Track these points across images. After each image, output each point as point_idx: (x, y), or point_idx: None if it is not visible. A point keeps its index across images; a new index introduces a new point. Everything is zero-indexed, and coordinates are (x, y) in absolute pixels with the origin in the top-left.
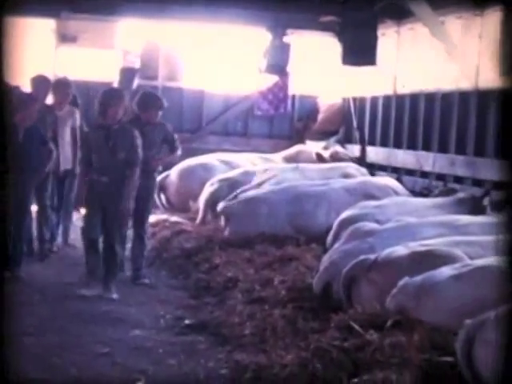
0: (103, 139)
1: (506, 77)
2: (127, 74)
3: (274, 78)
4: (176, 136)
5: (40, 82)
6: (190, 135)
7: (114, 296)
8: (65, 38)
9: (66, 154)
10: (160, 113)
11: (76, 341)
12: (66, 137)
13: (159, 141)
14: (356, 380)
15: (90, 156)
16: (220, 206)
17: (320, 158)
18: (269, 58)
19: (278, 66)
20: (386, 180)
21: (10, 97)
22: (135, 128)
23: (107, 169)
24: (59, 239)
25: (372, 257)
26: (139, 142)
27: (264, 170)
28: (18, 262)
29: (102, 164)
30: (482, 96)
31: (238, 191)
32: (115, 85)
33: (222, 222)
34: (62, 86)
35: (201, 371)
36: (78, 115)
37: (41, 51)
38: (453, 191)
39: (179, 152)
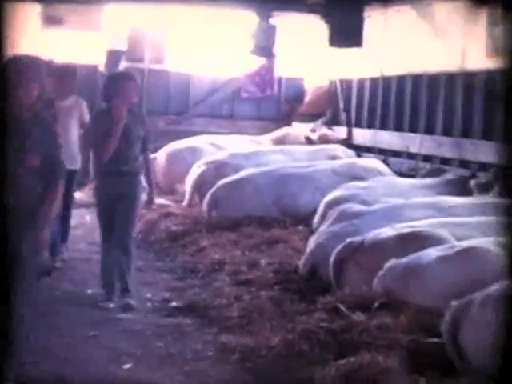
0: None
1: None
2: (113, 56)
3: (261, 61)
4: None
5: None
6: (177, 117)
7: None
8: (51, 20)
9: (70, 152)
10: (135, 91)
11: (63, 323)
12: (72, 132)
13: (141, 135)
14: (343, 361)
15: None
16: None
17: (309, 141)
18: (255, 40)
19: (265, 49)
20: (373, 161)
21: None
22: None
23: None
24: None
25: (359, 239)
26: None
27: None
28: None
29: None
30: (468, 77)
31: None
32: (101, 68)
33: (205, 206)
34: (68, 72)
35: (188, 353)
36: (85, 107)
37: (26, 33)
38: (441, 171)
39: (149, 154)
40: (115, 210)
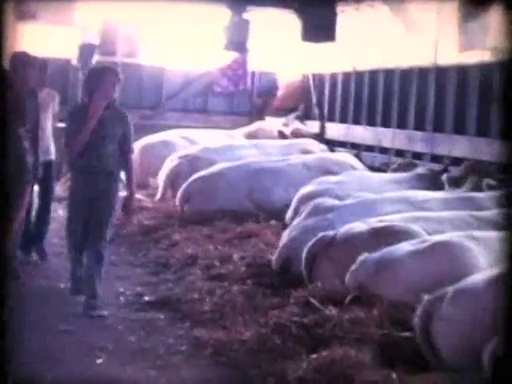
0: None
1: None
2: (86, 50)
3: (233, 55)
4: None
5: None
6: (150, 112)
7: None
8: (24, 15)
9: (46, 144)
10: (117, 88)
11: (36, 318)
12: (47, 124)
13: (119, 134)
14: (315, 355)
15: None
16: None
17: (282, 135)
18: (228, 34)
19: (238, 43)
20: (345, 156)
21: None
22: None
23: None
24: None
25: (331, 233)
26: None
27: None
28: None
29: None
30: (440, 72)
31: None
32: (74, 61)
33: (178, 201)
34: (40, 65)
35: (161, 348)
36: (57, 99)
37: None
38: (412, 165)
39: (131, 155)
40: (87, 212)
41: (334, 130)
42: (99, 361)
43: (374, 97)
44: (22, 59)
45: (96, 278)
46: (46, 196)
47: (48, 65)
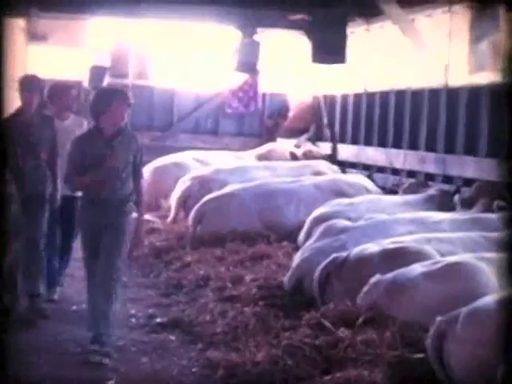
0: None
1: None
2: (97, 72)
3: (244, 76)
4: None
5: (31, 84)
6: (161, 133)
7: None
8: (35, 36)
9: None
10: (128, 110)
11: (48, 340)
12: None
13: (131, 159)
14: (328, 377)
15: None
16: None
17: (294, 157)
18: (239, 56)
19: (249, 64)
20: (357, 177)
21: None
22: (99, 141)
23: None
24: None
25: (344, 254)
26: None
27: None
28: None
29: None
30: (451, 93)
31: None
32: (85, 83)
33: (190, 222)
34: (64, 90)
35: (173, 369)
36: (85, 125)
37: (11, 50)
38: (424, 184)
39: (141, 181)
40: (99, 245)
41: (346, 152)
42: (111, 382)
43: (386, 118)
44: (28, 82)
45: (106, 318)
46: (68, 236)
47: (72, 89)
